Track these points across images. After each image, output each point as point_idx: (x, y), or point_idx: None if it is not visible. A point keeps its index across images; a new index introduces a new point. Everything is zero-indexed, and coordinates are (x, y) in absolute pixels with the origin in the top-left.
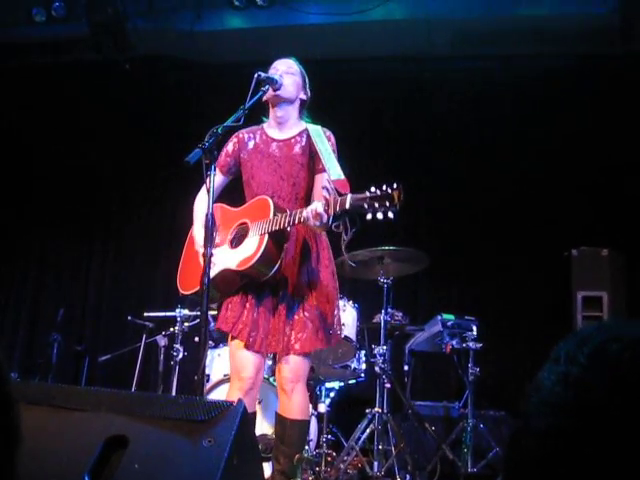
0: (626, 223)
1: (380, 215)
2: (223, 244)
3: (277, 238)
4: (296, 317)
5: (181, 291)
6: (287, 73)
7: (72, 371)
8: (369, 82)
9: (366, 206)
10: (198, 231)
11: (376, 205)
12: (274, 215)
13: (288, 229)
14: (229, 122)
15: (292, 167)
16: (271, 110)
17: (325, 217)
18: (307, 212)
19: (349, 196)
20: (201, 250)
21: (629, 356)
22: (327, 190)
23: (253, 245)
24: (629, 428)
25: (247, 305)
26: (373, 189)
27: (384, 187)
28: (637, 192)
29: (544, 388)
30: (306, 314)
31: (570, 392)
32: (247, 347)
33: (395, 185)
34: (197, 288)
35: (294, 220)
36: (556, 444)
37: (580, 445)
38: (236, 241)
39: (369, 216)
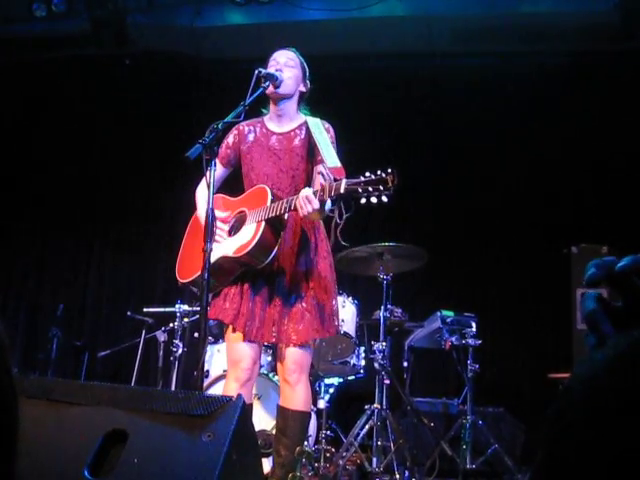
0: (626, 220)
1: (374, 199)
2: (222, 231)
3: (274, 225)
4: (293, 308)
5: (179, 279)
6: (287, 66)
7: (72, 366)
8: (368, 78)
9: (360, 190)
10: (203, 210)
11: (370, 189)
12: (271, 203)
13: (285, 216)
14: (229, 118)
15: (291, 159)
16: (271, 103)
17: (316, 203)
18: (300, 200)
19: (344, 181)
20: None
21: None
22: (323, 176)
23: (250, 232)
24: None
25: (244, 295)
26: (367, 174)
27: (378, 172)
28: (637, 189)
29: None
30: (303, 305)
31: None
32: (243, 337)
33: (389, 170)
34: (195, 276)
35: (290, 206)
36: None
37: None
38: (234, 229)
39: (363, 200)
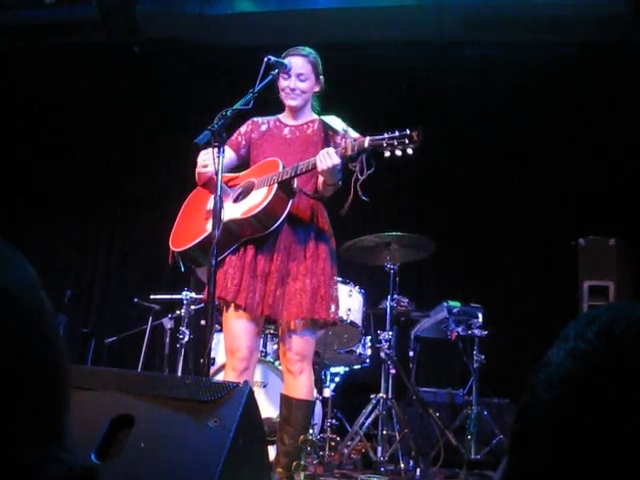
0: (634, 213)
1: (399, 152)
2: (226, 201)
3: (285, 190)
4: (288, 286)
5: (172, 247)
6: (299, 80)
7: (78, 353)
8: (378, 67)
9: (385, 144)
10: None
11: (395, 143)
12: (283, 169)
13: (294, 184)
14: (238, 105)
15: (302, 147)
16: (287, 106)
17: (336, 158)
18: (320, 155)
19: (368, 137)
20: (203, 166)
21: (635, 332)
22: (344, 136)
23: (261, 195)
24: (630, 398)
25: (245, 270)
26: (391, 132)
27: (404, 130)
28: None
29: (552, 363)
30: (299, 284)
31: (577, 364)
32: (244, 310)
33: (414, 128)
34: (189, 245)
35: (306, 167)
36: (562, 413)
37: (584, 414)
38: (241, 196)
39: (387, 154)
